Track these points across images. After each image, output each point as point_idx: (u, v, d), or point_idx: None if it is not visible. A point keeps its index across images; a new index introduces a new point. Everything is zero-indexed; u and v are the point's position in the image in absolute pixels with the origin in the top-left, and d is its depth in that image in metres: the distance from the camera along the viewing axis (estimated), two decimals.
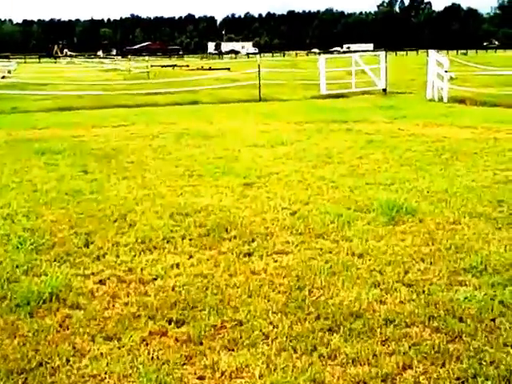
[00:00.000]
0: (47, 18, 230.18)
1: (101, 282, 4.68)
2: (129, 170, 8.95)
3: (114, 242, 5.58)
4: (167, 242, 5.59)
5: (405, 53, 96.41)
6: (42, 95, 23.49)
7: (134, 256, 5.20)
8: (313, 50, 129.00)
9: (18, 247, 5.41)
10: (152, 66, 50.37)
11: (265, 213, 6.48)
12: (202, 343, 3.68)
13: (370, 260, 5.01)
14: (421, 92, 21.78)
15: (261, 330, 3.78)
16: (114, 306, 4.24)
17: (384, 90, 22.41)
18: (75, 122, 15.36)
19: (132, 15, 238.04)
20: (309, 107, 18.15)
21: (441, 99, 19.20)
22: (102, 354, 3.57)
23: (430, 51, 21.29)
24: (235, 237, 5.68)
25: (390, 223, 5.99)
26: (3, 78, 36.72)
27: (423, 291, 4.34)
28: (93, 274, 4.84)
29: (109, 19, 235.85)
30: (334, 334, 3.73)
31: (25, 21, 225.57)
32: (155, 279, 4.69)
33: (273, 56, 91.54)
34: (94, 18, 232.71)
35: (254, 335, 3.73)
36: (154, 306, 4.17)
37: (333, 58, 31.12)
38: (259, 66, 23.13)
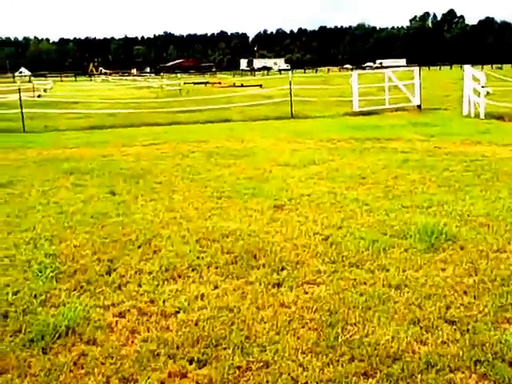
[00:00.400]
0: (83, 37, 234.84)
1: (120, 314, 4.42)
2: (157, 191, 8.74)
3: (137, 270, 5.34)
4: (192, 269, 5.32)
5: (438, 68, 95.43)
6: (75, 114, 23.62)
7: (157, 285, 4.94)
8: (345, 66, 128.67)
9: (37, 274, 5.20)
10: (185, 83, 50.67)
11: (295, 238, 6.18)
12: None
13: (408, 292, 4.66)
14: (456, 108, 21.30)
15: (289, 374, 3.47)
16: (132, 342, 3.98)
17: (419, 106, 21.96)
18: (106, 141, 15.30)
19: (165, 32, 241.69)
20: (341, 124, 17.82)
21: (477, 115, 18.68)
22: None
23: (465, 66, 20.79)
24: (264, 265, 5.38)
25: (428, 251, 5.63)
26: (39, 96, 37.16)
27: (467, 330, 3.97)
28: (113, 305, 4.59)
29: (142, 37, 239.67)
30: (370, 380, 3.41)
31: (61, 39, 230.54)
32: (178, 312, 4.42)
33: (305, 72, 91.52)
34: (128, 36, 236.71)
35: (281, 379, 3.42)
36: (175, 343, 3.89)
37: (365, 74, 30.74)
38: (291, 82, 22.90)
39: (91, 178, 10.00)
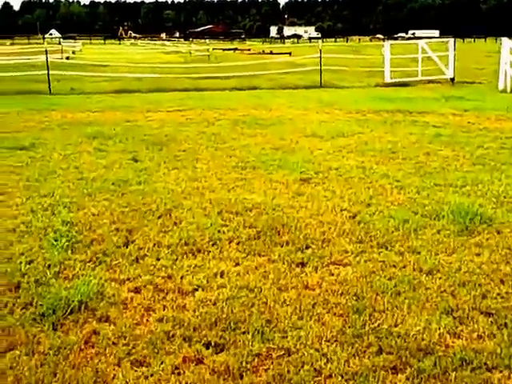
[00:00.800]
0: (113, 0, 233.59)
1: (136, 289, 4.21)
2: (180, 160, 8.50)
3: (156, 242, 5.12)
4: (213, 244, 5.09)
5: (472, 40, 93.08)
6: (101, 77, 23.40)
7: (176, 260, 4.72)
8: (376, 36, 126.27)
9: (53, 244, 5.02)
10: (213, 49, 50.09)
11: (321, 215, 5.90)
12: (242, 376, 3.16)
13: (440, 279, 4.38)
14: (491, 82, 20.62)
15: (312, 365, 3.23)
16: (147, 320, 3.77)
17: (452, 79, 21.30)
18: (131, 106, 15.08)
19: None
20: (372, 96, 17.33)
21: None
22: (127, 382, 3.10)
23: (503, 39, 20.01)
24: (288, 242, 5.13)
25: (462, 233, 5.32)
26: (68, 58, 37.02)
27: (505, 324, 3.68)
28: (129, 279, 4.38)
29: (173, 1, 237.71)
30: (399, 375, 3.15)
31: (92, 2, 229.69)
32: (196, 290, 4.19)
33: (335, 41, 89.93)
34: (159, 1, 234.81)
35: (303, 370, 3.18)
36: (192, 325, 3.67)
37: (397, 44, 29.94)
38: (321, 51, 22.35)
39: (114, 143, 9.80)
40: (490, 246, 5.01)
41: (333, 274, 4.48)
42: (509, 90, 18.27)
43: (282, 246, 5.05)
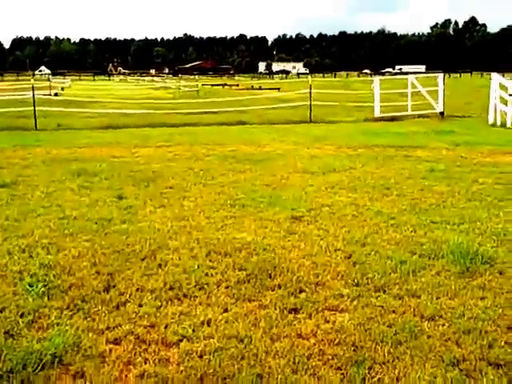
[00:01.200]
0: (103, 37, 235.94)
1: (116, 340, 3.88)
2: (166, 197, 8.21)
3: (139, 287, 4.80)
4: (200, 288, 4.78)
5: (458, 75, 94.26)
6: (89, 113, 23.21)
7: (160, 307, 4.40)
8: (364, 71, 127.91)
9: (28, 289, 4.68)
10: (202, 84, 50.29)
11: (314, 255, 5.61)
12: None
13: (443, 325, 4.08)
14: (480, 116, 20.68)
15: None
16: (126, 376, 3.44)
17: (442, 113, 21.29)
18: (118, 142, 14.83)
19: (185, 35, 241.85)
20: (362, 130, 17.20)
21: (504, 124, 18.02)
22: None
23: (492, 74, 20.09)
24: (279, 286, 4.82)
25: (464, 275, 5.04)
26: (56, 94, 36.90)
27: None
28: (108, 328, 4.05)
29: (162, 38, 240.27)
30: None
31: (82, 39, 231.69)
32: (181, 340, 3.87)
33: (324, 76, 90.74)
34: (149, 38, 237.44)
35: None
36: (175, 382, 3.34)
37: (386, 79, 30.05)
38: (310, 86, 22.32)
39: (99, 180, 9.50)
40: (494, 289, 4.73)
41: (328, 321, 4.18)
42: (499, 123, 18.23)
43: (273, 290, 4.75)
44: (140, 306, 4.44)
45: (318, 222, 6.83)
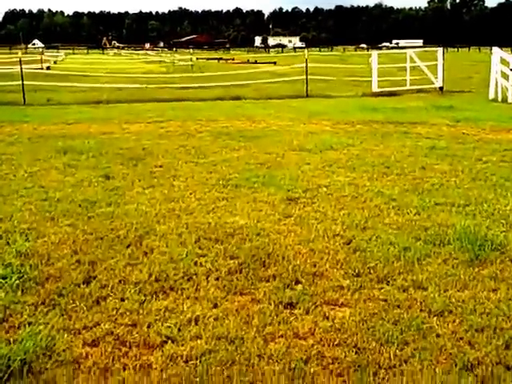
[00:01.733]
0: (97, 10, 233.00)
1: (93, 342, 3.51)
2: (156, 177, 7.81)
3: (122, 278, 4.42)
4: (188, 279, 4.41)
5: (456, 49, 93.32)
6: (80, 87, 22.64)
7: (143, 302, 4.02)
8: (361, 46, 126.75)
9: (0, 282, 4.30)
10: (197, 58, 49.53)
11: (312, 241, 5.23)
12: None
13: (453, 322, 3.72)
14: (480, 91, 20.20)
15: None
16: None
17: (441, 88, 20.82)
18: (108, 117, 14.35)
19: (180, 8, 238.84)
20: (360, 105, 16.72)
21: (505, 100, 17.59)
22: None
23: (493, 48, 19.58)
24: (274, 276, 4.45)
25: (473, 263, 4.67)
26: (48, 68, 36.22)
27: None
28: (85, 328, 3.67)
29: (157, 12, 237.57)
30: None
31: (76, 13, 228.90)
32: (165, 342, 3.49)
33: (320, 51, 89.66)
34: (143, 11, 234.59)
35: None
36: None
37: (384, 54, 29.48)
38: (307, 60, 21.77)
39: (86, 158, 9.08)
40: (506, 279, 4.37)
41: (327, 318, 3.81)
42: (500, 99, 17.79)
43: (267, 282, 4.38)
44: (122, 300, 4.06)
45: (315, 204, 6.44)
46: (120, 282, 4.36)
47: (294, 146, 10.00)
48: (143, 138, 11.08)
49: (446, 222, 5.71)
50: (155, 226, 5.68)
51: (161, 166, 8.47)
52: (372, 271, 4.53)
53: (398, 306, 3.94)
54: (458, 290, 4.20)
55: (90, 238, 5.32)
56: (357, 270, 4.55)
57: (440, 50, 21.09)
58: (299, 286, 4.28)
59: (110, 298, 4.08)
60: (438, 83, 20.86)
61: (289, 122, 13.28)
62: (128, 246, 5.11)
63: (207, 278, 4.42)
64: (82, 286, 4.29)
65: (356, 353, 3.36)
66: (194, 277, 4.44)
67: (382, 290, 4.19)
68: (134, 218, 5.92)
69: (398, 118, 13.55)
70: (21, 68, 19.36)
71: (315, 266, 4.66)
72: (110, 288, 4.24)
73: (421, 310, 3.89)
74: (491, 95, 18.29)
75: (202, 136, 11.26)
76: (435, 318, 3.77)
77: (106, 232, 5.48)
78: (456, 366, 3.22)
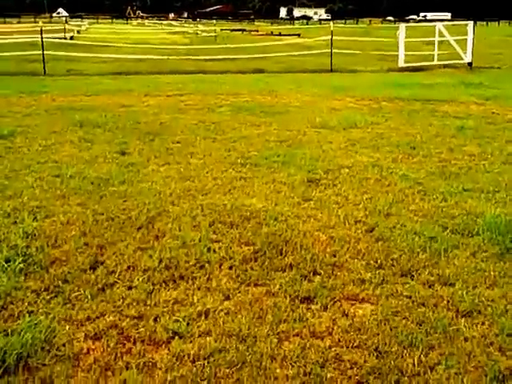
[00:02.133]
0: None
1: (96, 336, 3.29)
2: (172, 153, 7.57)
3: (130, 264, 4.20)
4: (200, 267, 4.17)
5: (485, 23, 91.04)
6: (102, 58, 22.38)
7: (151, 292, 3.79)
8: (387, 18, 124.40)
9: (3, 265, 4.10)
10: (221, 29, 48.92)
11: (332, 227, 4.96)
12: None
13: (482, 324, 3.44)
14: (511, 67, 19.54)
15: None
16: None
17: (470, 64, 20.20)
18: (128, 89, 14.12)
19: None
20: (385, 81, 16.27)
21: None
22: None
23: None
24: (291, 266, 4.20)
25: (503, 257, 4.37)
26: (72, 38, 35.98)
27: None
28: (88, 319, 3.46)
29: None
30: None
31: None
32: (172, 338, 3.27)
33: (345, 23, 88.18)
34: None
35: None
36: None
37: (410, 27, 28.72)
38: (332, 32, 21.24)
39: (103, 132, 8.88)
40: None
41: (347, 315, 3.55)
42: None
43: (283, 272, 4.12)
44: (129, 288, 3.84)
45: (337, 187, 6.16)
46: (128, 268, 4.14)
47: (316, 123, 9.67)
48: (162, 111, 10.83)
49: (475, 209, 5.39)
50: (169, 206, 5.45)
51: (178, 142, 8.22)
52: (395, 263, 4.25)
53: (423, 304, 3.67)
54: (488, 288, 3.91)
55: (100, 219, 5.10)
56: (379, 262, 4.28)
57: (471, 23, 20.42)
58: (317, 278, 4.02)
59: (117, 286, 3.87)
60: (467, 59, 20.25)
61: (312, 97, 12.94)
62: (139, 229, 4.88)
63: (220, 267, 4.18)
64: (88, 271, 4.08)
65: (377, 357, 3.10)
66: (207, 265, 4.20)
67: (406, 286, 3.92)
68: (147, 197, 5.70)
69: (424, 94, 13.12)
70: (41, 37, 19.11)
71: (335, 255, 4.39)
72: (117, 275, 4.03)
73: (447, 310, 3.61)
74: None
75: (221, 111, 10.98)
76: (463, 319, 3.49)
77: (117, 212, 5.26)
78: (486, 376, 2.95)
